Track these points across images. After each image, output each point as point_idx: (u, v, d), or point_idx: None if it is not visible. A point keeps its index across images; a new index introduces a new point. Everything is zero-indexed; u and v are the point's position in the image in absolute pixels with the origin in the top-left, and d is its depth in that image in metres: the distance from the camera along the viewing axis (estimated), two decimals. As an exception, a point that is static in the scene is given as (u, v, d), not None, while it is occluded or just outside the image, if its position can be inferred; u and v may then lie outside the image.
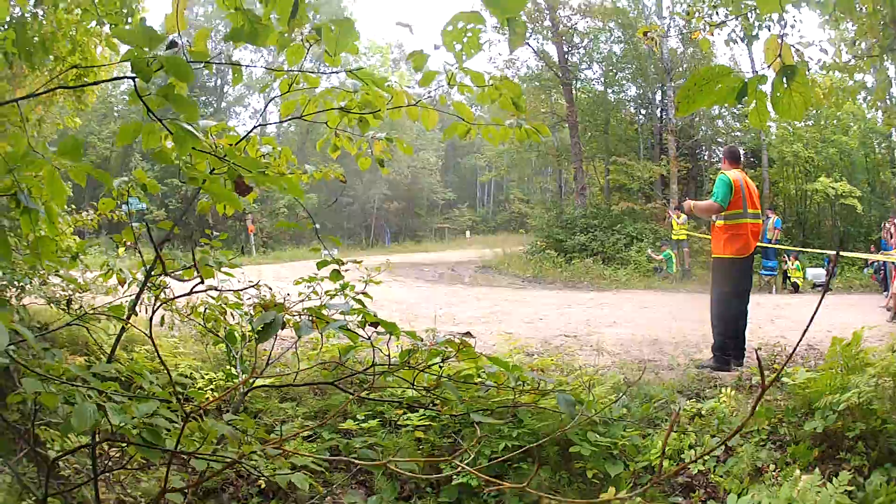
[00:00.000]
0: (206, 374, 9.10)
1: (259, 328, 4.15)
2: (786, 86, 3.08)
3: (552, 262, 35.15)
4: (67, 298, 8.39)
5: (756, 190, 10.87)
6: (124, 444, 4.04)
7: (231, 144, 4.94)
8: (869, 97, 11.66)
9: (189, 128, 3.46)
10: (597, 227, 36.97)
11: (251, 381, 6.41)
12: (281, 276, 7.00)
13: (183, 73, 3.24)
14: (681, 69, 40.99)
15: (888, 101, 10.36)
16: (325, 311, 4.33)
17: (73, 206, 9.87)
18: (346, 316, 4.20)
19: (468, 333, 4.17)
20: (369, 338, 4.18)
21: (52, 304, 8.64)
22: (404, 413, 8.16)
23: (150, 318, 4.85)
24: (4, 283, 7.60)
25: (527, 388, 4.36)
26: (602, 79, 45.96)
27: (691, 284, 28.15)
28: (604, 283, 30.29)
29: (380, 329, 4.12)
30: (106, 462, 5.40)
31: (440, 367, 4.27)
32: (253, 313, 5.16)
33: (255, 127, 5.65)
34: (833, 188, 36.82)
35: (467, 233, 70.87)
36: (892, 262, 19.92)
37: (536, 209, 49.77)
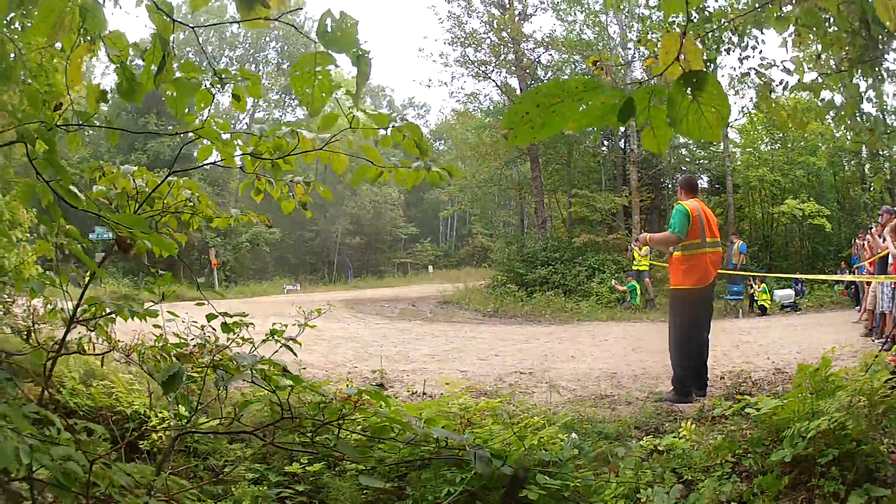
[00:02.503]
0: (160, 413, 8.81)
1: (164, 380, 4.49)
2: (691, 98, 2.37)
3: (513, 297, 35.19)
4: (28, 330, 7.98)
5: (714, 218, 10.78)
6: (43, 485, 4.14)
7: (142, 188, 5.64)
8: (838, 115, 11.34)
9: (72, 189, 4.03)
10: (558, 259, 37.03)
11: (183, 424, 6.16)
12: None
13: (51, 141, 3.84)
14: None
15: (858, 118, 10.00)
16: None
17: (37, 235, 9.79)
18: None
19: (381, 385, 4.61)
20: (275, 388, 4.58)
21: (16, 334, 8.43)
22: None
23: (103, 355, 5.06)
24: None
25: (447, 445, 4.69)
26: None
27: (654, 314, 27.97)
28: (565, 315, 30.16)
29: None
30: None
31: (338, 424, 4.62)
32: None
33: (168, 174, 5.86)
34: (800, 209, 37.17)
35: (430, 267, 71.29)
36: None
37: (498, 243, 49.88)
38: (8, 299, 7.68)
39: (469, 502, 7.22)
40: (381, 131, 5.09)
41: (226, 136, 5.51)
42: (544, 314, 30.79)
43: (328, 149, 5.42)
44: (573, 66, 42.76)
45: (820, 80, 10.38)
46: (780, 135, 41.17)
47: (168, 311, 5.47)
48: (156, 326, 5.34)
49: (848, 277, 25.09)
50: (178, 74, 4.78)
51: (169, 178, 5.89)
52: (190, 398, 5.82)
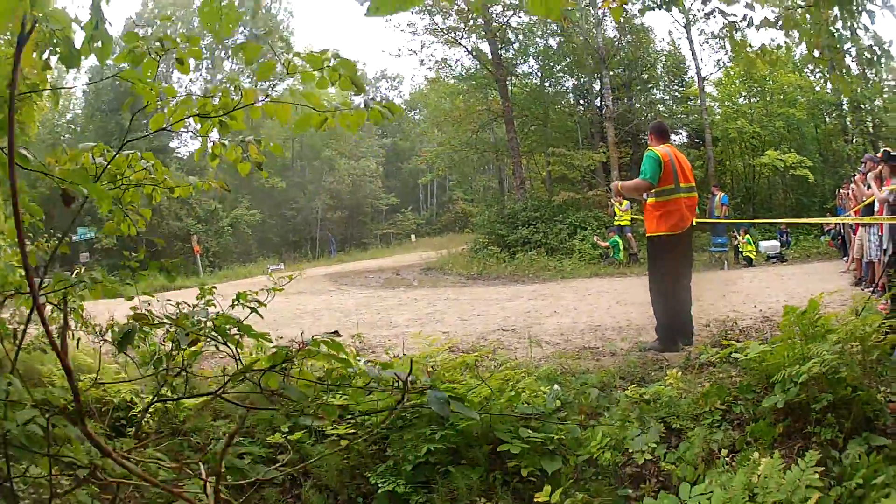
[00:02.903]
0: (147, 398, 8.74)
1: (119, 337, 4.61)
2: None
3: (496, 258, 35.12)
4: (13, 331, 7.44)
5: (688, 163, 10.59)
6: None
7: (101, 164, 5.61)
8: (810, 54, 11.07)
9: (21, 152, 4.11)
10: (538, 219, 36.95)
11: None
12: (226, 295, 6.70)
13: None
14: (618, 58, 41.56)
15: (828, 52, 9.75)
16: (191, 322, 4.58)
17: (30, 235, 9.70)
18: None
19: (336, 332, 4.36)
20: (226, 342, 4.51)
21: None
22: (332, 424, 7.72)
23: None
24: None
25: (411, 389, 4.38)
26: (539, 73, 45.99)
27: (638, 268, 27.74)
28: (548, 274, 30.10)
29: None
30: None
31: (284, 368, 4.35)
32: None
33: (124, 143, 5.75)
34: (781, 160, 37.09)
35: (412, 236, 70.62)
36: (850, 227, 19.69)
37: (479, 207, 50.07)
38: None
39: (452, 461, 7.13)
40: (317, 73, 5.04)
41: (173, 102, 5.60)
42: (527, 274, 30.77)
43: (273, 100, 5.39)
44: (543, 27, 42.73)
45: (788, 13, 10.12)
46: (758, 88, 41.12)
47: (144, 293, 5.54)
48: (132, 309, 5.08)
49: (833, 220, 25.04)
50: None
51: (130, 153, 5.88)
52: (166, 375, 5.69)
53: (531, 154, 45.63)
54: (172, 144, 63.47)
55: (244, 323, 4.55)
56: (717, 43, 38.22)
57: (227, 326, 4.49)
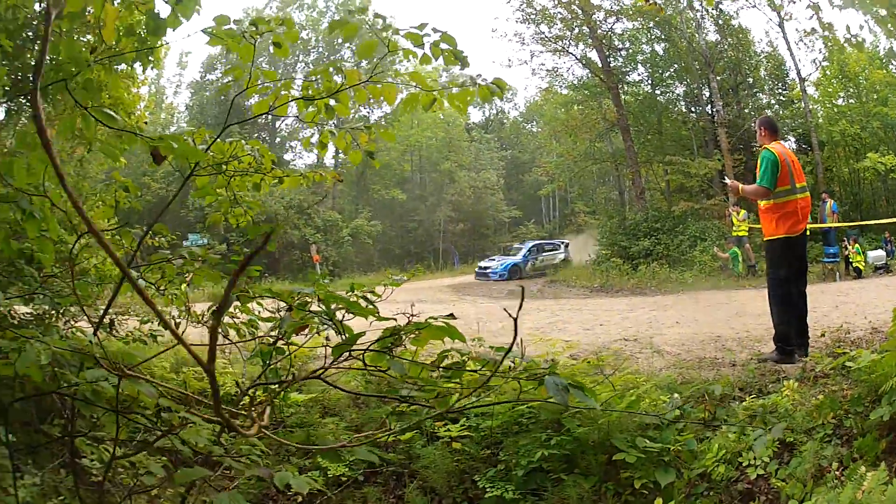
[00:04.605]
0: (251, 391, 8.94)
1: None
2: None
3: (618, 270, 34.96)
4: (110, 321, 8.35)
5: (798, 161, 10.34)
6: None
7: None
8: None
9: (108, 112, 4.14)
10: (659, 230, 36.71)
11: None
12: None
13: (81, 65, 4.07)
14: (722, 61, 40.87)
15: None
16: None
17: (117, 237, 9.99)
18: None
19: (451, 315, 4.11)
20: (330, 318, 4.20)
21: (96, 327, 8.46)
22: (444, 425, 7.78)
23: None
24: (46, 307, 7.74)
25: (524, 376, 4.06)
26: (649, 80, 45.52)
27: (756, 281, 27.00)
28: (669, 286, 29.90)
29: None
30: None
31: (391, 346, 4.12)
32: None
33: (225, 127, 5.58)
34: (882, 163, 35.70)
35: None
36: None
37: (600, 218, 49.57)
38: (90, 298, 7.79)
39: (565, 468, 7.17)
40: (418, 50, 4.91)
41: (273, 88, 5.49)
42: (649, 286, 30.61)
43: (375, 80, 5.27)
44: (647, 33, 42.60)
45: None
46: (853, 88, 40.08)
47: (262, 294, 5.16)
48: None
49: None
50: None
51: (234, 140, 5.92)
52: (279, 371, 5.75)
53: (649, 164, 44.99)
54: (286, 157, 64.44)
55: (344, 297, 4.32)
56: (810, 41, 37.58)
57: (334, 304, 4.26)
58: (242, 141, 6.01)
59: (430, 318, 4.02)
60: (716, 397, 8.12)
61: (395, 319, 4.20)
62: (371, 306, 4.34)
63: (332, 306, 4.19)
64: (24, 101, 9.98)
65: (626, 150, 41.20)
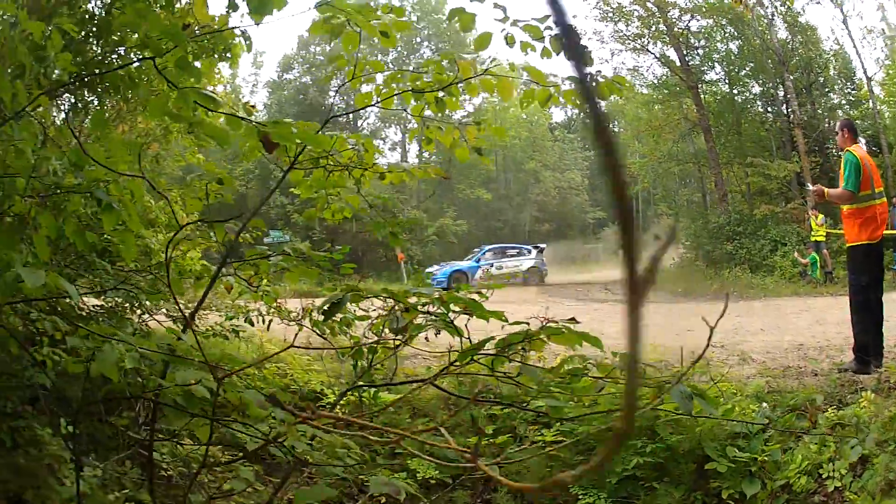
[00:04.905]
0: (339, 390, 9.00)
1: (326, 306, 4.32)
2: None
3: (702, 274, 34.94)
4: (190, 314, 8.08)
5: (875, 166, 10.36)
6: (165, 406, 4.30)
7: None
8: None
9: (208, 94, 3.87)
10: (741, 233, 36.27)
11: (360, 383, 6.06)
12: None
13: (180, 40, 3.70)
14: (794, 60, 40.07)
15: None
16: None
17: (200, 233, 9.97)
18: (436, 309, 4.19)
19: (573, 319, 4.19)
20: (452, 322, 4.15)
21: (177, 324, 8.11)
22: (538, 429, 7.88)
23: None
24: (119, 299, 7.82)
25: (650, 383, 4.09)
26: (726, 79, 44.88)
27: (833, 288, 26.85)
28: (752, 292, 29.74)
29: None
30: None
31: (523, 350, 4.09)
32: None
33: (327, 120, 5.51)
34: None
35: (620, 251, 69.00)
36: None
37: (683, 221, 48.75)
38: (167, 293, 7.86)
39: (657, 477, 7.29)
40: (538, 44, 4.81)
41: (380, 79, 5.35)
42: (733, 291, 30.07)
43: (491, 73, 5.02)
44: (721, 30, 42.15)
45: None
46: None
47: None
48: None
49: None
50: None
51: (334, 134, 5.39)
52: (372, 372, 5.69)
53: (729, 165, 43.99)
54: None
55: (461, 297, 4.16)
56: (873, 38, 36.97)
57: (452, 304, 4.15)
58: (344, 135, 5.58)
59: (551, 322, 4.04)
60: (817, 407, 8.17)
61: (528, 323, 4.16)
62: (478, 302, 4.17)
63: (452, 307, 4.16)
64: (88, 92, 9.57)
65: (707, 151, 40.92)
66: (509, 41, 4.76)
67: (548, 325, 4.09)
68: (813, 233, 30.79)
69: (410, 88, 5.19)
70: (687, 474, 7.34)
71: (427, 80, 5.14)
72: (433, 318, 4.22)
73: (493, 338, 4.08)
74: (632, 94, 48.50)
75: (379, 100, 5.30)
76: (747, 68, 43.25)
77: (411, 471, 8.04)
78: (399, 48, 65.48)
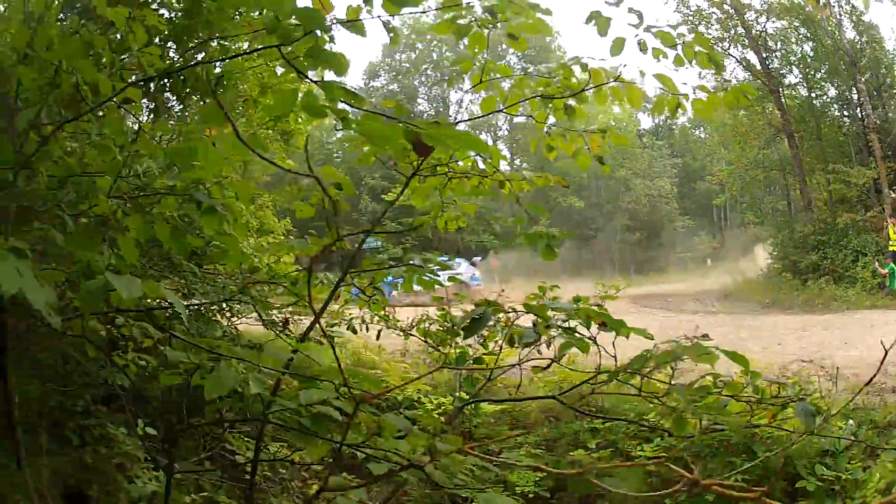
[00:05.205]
0: (436, 399, 9.23)
1: (467, 323, 4.22)
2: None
3: (788, 286, 34.56)
4: (284, 320, 8.20)
5: None
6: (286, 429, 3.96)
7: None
8: None
9: (349, 88, 3.42)
10: (825, 243, 35.62)
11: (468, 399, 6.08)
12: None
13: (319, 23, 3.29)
14: (864, 61, 39.03)
15: None
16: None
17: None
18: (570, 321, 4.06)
19: (705, 335, 4.08)
20: (593, 338, 4.04)
21: (267, 327, 8.35)
22: (638, 444, 8.07)
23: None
24: (209, 302, 7.85)
25: (765, 399, 4.15)
26: (804, 82, 43.52)
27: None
28: (835, 304, 29.47)
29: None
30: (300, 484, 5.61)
31: (673, 368, 4.03)
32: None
33: (457, 123, 5.56)
34: None
35: (708, 260, 67.81)
36: None
37: (769, 230, 48.37)
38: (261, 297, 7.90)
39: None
40: (670, 51, 4.77)
41: (506, 86, 5.17)
42: (817, 304, 30.24)
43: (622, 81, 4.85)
44: (795, 31, 41.16)
45: None
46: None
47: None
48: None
49: None
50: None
51: None
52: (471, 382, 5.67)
53: (811, 172, 42.66)
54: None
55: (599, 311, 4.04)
56: None
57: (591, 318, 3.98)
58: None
59: (697, 340, 3.96)
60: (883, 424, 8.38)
61: (677, 341, 4.03)
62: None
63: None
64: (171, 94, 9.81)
65: (791, 158, 40.41)
66: (642, 47, 4.72)
67: (695, 344, 3.95)
68: (891, 242, 30.07)
69: (539, 94, 5.03)
70: (778, 492, 7.49)
71: (556, 86, 4.98)
72: (567, 333, 4.07)
73: (646, 356, 4.01)
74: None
75: (504, 105, 5.16)
76: (822, 71, 42.18)
77: (511, 484, 8.22)
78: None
